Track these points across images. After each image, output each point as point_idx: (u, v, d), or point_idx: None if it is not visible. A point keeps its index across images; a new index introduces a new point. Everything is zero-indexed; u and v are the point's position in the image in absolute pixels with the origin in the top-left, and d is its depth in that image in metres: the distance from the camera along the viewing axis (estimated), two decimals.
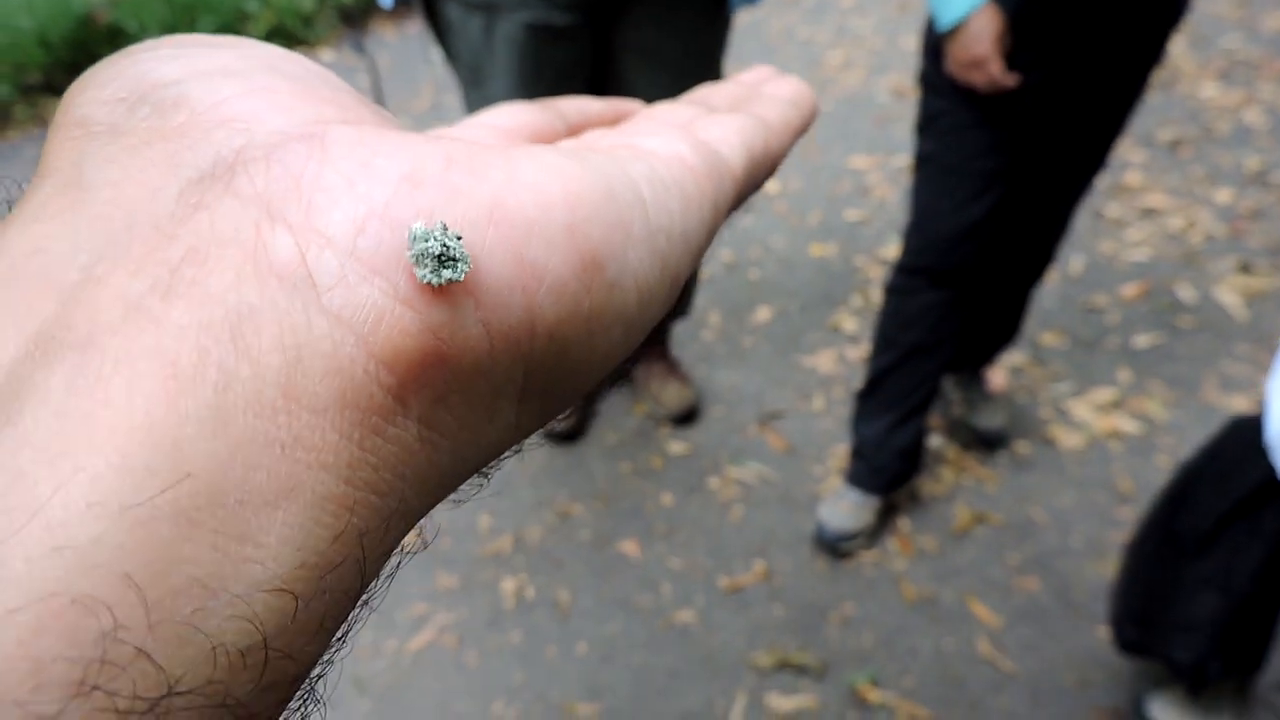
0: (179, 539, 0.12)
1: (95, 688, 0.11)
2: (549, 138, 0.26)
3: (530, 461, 1.88)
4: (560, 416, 0.20)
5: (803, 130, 0.28)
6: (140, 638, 0.12)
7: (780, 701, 1.41)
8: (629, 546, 1.68)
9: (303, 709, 0.15)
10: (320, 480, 0.14)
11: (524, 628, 1.56)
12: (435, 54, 1.56)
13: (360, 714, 1.44)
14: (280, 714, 0.14)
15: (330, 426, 0.14)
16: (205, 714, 0.12)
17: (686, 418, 1.93)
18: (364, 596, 0.15)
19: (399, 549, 0.17)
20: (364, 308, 0.14)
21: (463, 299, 0.15)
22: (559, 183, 0.17)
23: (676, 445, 1.89)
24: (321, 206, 0.15)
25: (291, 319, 0.14)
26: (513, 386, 0.17)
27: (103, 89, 0.17)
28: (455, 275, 0.15)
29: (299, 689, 0.14)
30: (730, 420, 1.93)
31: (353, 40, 4.06)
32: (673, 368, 1.96)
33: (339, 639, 0.15)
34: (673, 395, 1.92)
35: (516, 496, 1.80)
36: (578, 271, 0.17)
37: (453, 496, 0.18)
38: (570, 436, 1.91)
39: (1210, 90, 2.96)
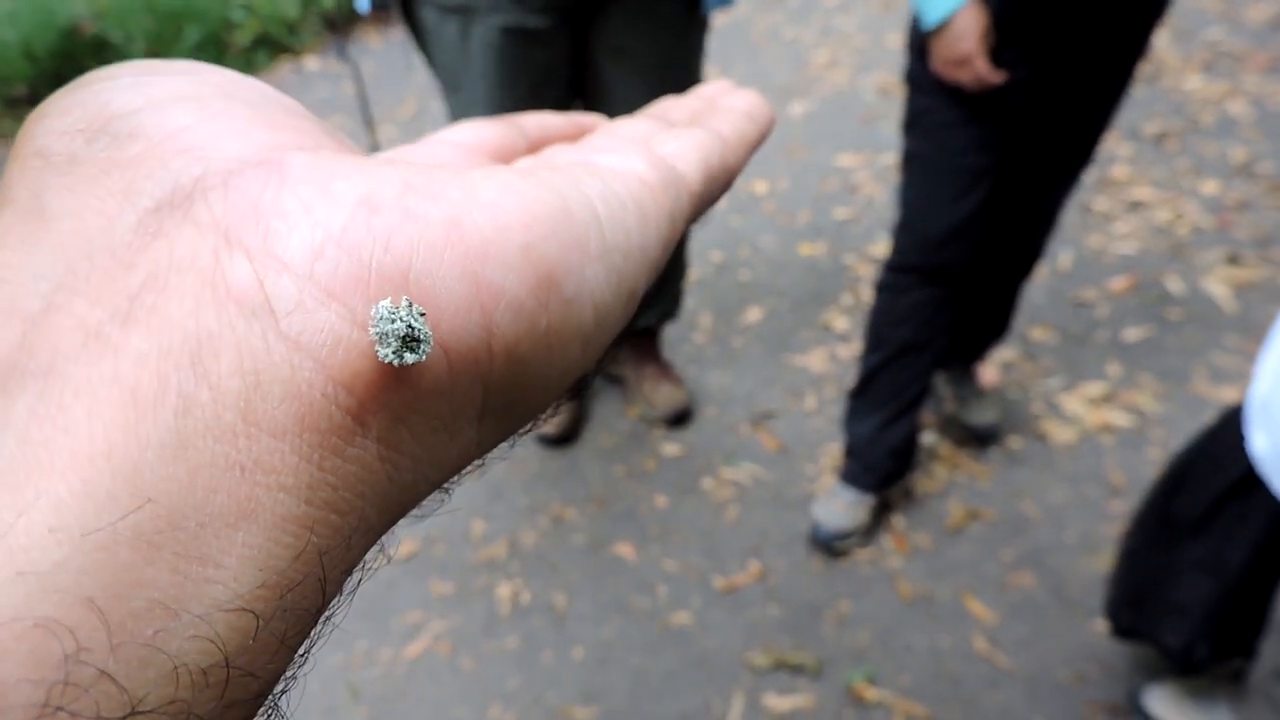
0: (140, 562, 0.12)
1: (59, 709, 0.11)
2: (509, 154, 0.26)
3: (524, 466, 1.88)
4: (520, 432, 0.20)
5: (759, 143, 0.29)
6: (103, 660, 0.12)
7: (777, 701, 1.41)
8: (624, 549, 1.68)
9: None
10: (280, 502, 0.14)
11: (520, 632, 1.56)
12: (419, 60, 1.56)
13: None
14: None
15: (290, 449, 0.14)
16: None
17: (679, 419, 1.93)
18: (326, 613, 0.16)
19: (361, 565, 0.17)
20: (322, 332, 0.15)
21: None
22: (515, 203, 0.17)
23: (670, 447, 1.89)
24: (279, 232, 0.15)
25: (250, 344, 0.14)
26: (472, 406, 0.17)
27: (61, 119, 0.17)
28: (419, 356, 0.15)
29: (262, 705, 0.15)
30: (723, 421, 1.93)
31: (336, 45, 4.05)
32: (664, 370, 1.96)
33: (301, 655, 0.16)
34: (665, 397, 1.92)
35: (510, 501, 1.80)
36: (534, 290, 0.17)
37: (415, 512, 0.18)
38: (563, 440, 1.91)
39: (1195, 82, 2.97)
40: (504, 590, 1.63)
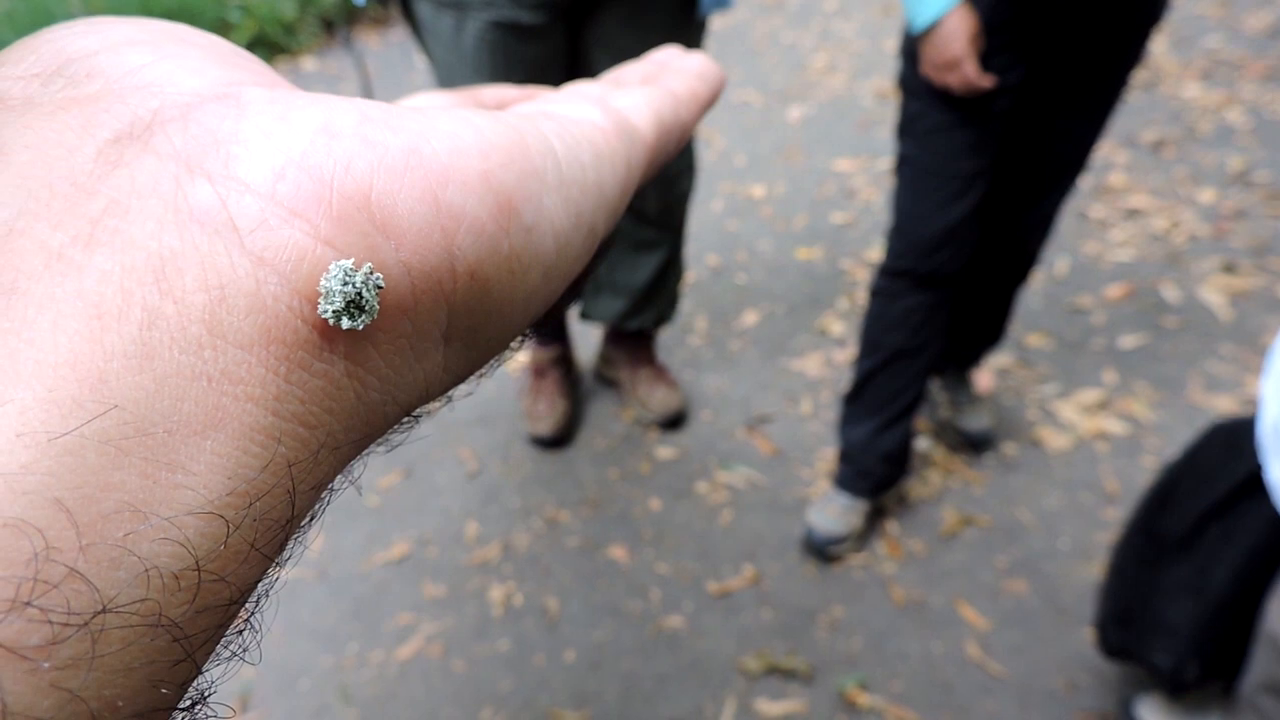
0: (108, 466, 0.13)
1: (28, 604, 0.12)
2: None
3: (518, 468, 1.87)
4: (488, 364, 0.21)
5: (710, 102, 0.29)
6: (72, 558, 0.12)
7: (769, 706, 1.41)
8: (617, 552, 1.68)
9: (240, 639, 0.16)
10: (248, 411, 0.14)
11: (512, 635, 1.55)
12: (421, 60, 1.56)
13: None
14: (217, 639, 0.15)
15: (256, 360, 0.15)
16: (140, 633, 0.13)
17: (674, 422, 1.93)
18: (296, 530, 0.16)
19: (330, 487, 0.17)
20: (286, 248, 0.15)
21: (383, 240, 0.16)
22: (472, 134, 0.18)
23: (664, 450, 1.88)
24: (240, 157, 0.15)
25: (214, 261, 0.14)
26: (437, 327, 0.17)
27: (17, 65, 0.17)
28: (355, 324, 0.15)
29: (234, 614, 0.15)
30: (718, 424, 1.93)
31: (342, 36, 4.08)
32: (660, 372, 1.96)
33: (274, 567, 0.16)
34: (660, 400, 1.91)
35: (504, 504, 1.80)
36: (495, 215, 0.17)
37: (384, 439, 0.19)
38: (558, 443, 1.91)
39: (1193, 90, 2.98)
40: (496, 592, 1.62)
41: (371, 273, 0.15)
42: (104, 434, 0.13)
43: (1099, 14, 1.22)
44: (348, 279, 0.15)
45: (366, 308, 0.15)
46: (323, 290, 0.15)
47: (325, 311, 0.15)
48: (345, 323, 0.15)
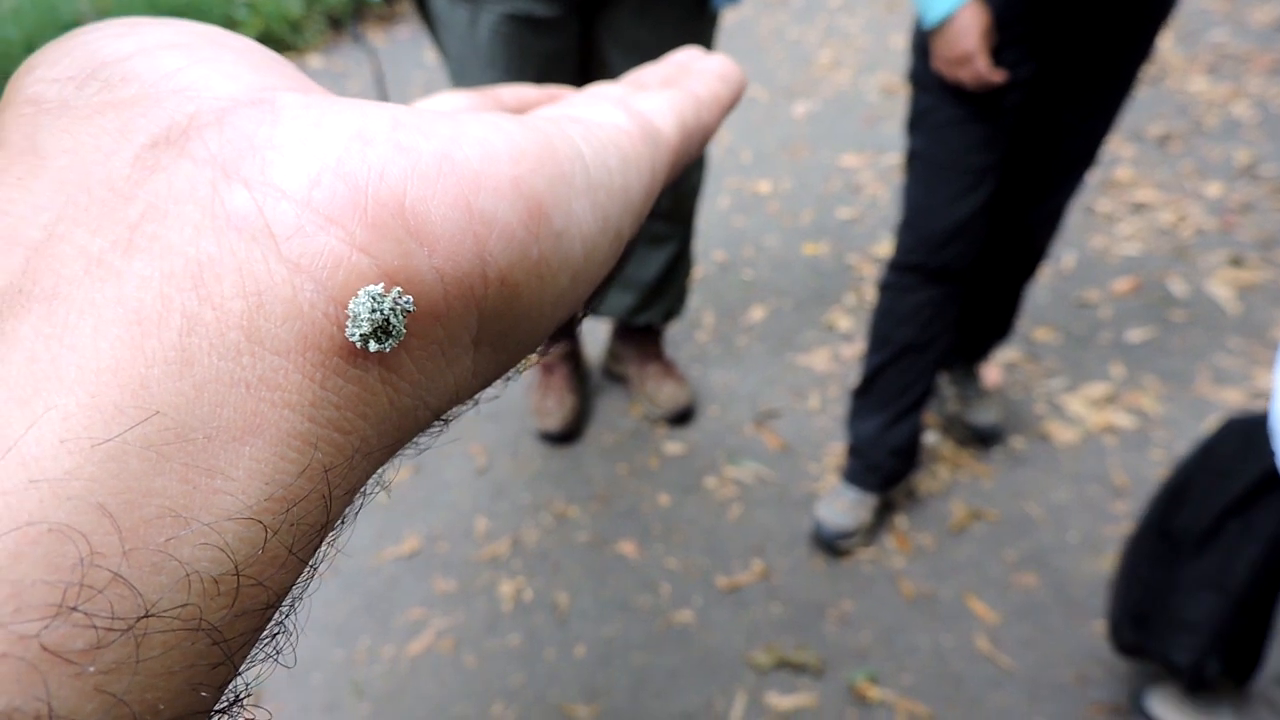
0: (150, 472, 0.13)
1: (73, 609, 0.12)
2: None
3: (527, 464, 1.88)
4: (516, 368, 0.21)
5: (732, 104, 0.29)
6: (116, 563, 0.12)
7: (779, 700, 1.41)
8: (627, 547, 1.68)
9: (274, 641, 0.16)
10: (285, 418, 0.14)
11: (522, 630, 1.56)
12: (427, 58, 1.57)
13: (359, 718, 1.44)
14: (254, 642, 0.15)
15: (293, 367, 0.15)
16: (181, 637, 0.13)
17: (682, 418, 1.93)
18: (330, 533, 0.16)
19: (362, 490, 0.17)
20: (322, 255, 0.15)
21: (416, 246, 0.16)
22: (503, 140, 0.18)
23: (673, 446, 1.89)
24: (275, 163, 0.16)
25: (251, 267, 0.15)
26: (467, 333, 0.17)
27: (52, 68, 0.17)
28: (382, 347, 0.15)
29: (271, 617, 0.15)
30: (726, 420, 1.93)
31: (353, 32, 4.09)
32: (668, 368, 1.96)
33: (308, 573, 0.16)
34: (668, 396, 1.92)
35: (513, 499, 1.80)
36: (525, 220, 0.17)
37: (414, 445, 0.19)
38: (566, 438, 1.91)
39: (1199, 84, 2.97)
40: (506, 588, 1.63)
41: (400, 296, 0.15)
42: (145, 440, 0.13)
43: (1109, 9, 1.22)
44: (376, 305, 0.15)
45: (394, 332, 0.15)
46: (350, 314, 0.15)
47: (353, 335, 0.15)
48: (372, 345, 0.15)
